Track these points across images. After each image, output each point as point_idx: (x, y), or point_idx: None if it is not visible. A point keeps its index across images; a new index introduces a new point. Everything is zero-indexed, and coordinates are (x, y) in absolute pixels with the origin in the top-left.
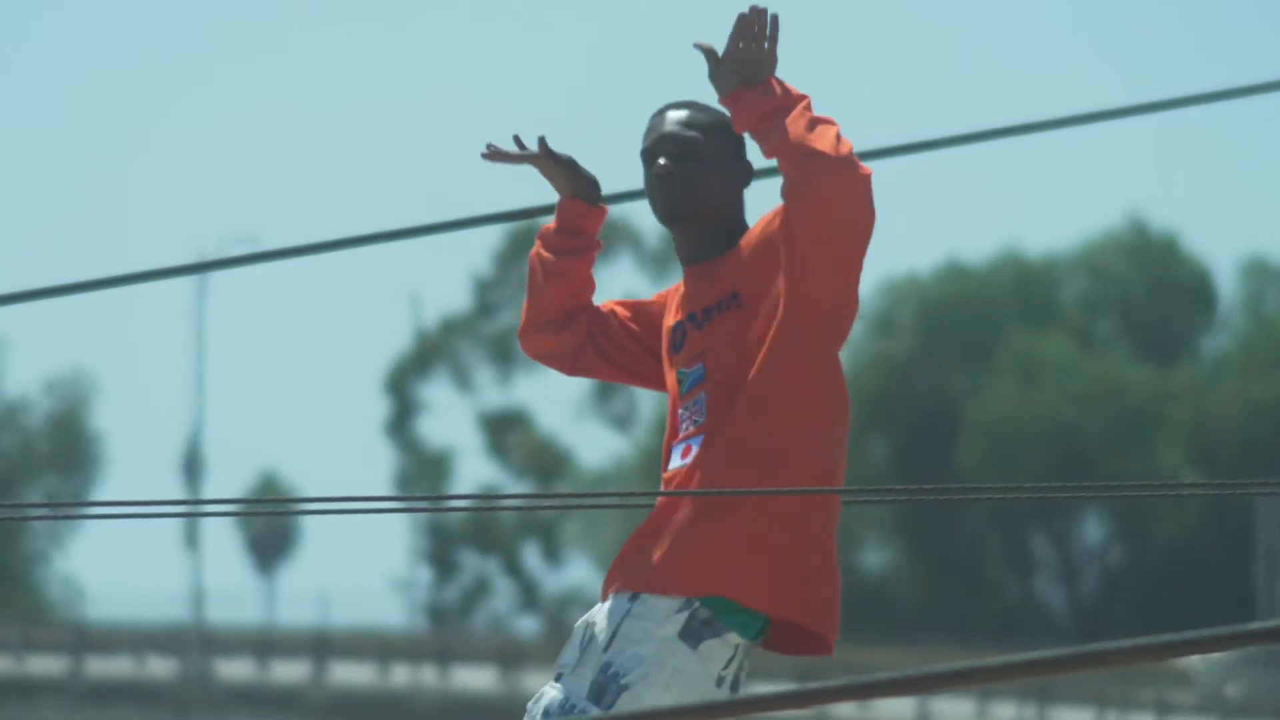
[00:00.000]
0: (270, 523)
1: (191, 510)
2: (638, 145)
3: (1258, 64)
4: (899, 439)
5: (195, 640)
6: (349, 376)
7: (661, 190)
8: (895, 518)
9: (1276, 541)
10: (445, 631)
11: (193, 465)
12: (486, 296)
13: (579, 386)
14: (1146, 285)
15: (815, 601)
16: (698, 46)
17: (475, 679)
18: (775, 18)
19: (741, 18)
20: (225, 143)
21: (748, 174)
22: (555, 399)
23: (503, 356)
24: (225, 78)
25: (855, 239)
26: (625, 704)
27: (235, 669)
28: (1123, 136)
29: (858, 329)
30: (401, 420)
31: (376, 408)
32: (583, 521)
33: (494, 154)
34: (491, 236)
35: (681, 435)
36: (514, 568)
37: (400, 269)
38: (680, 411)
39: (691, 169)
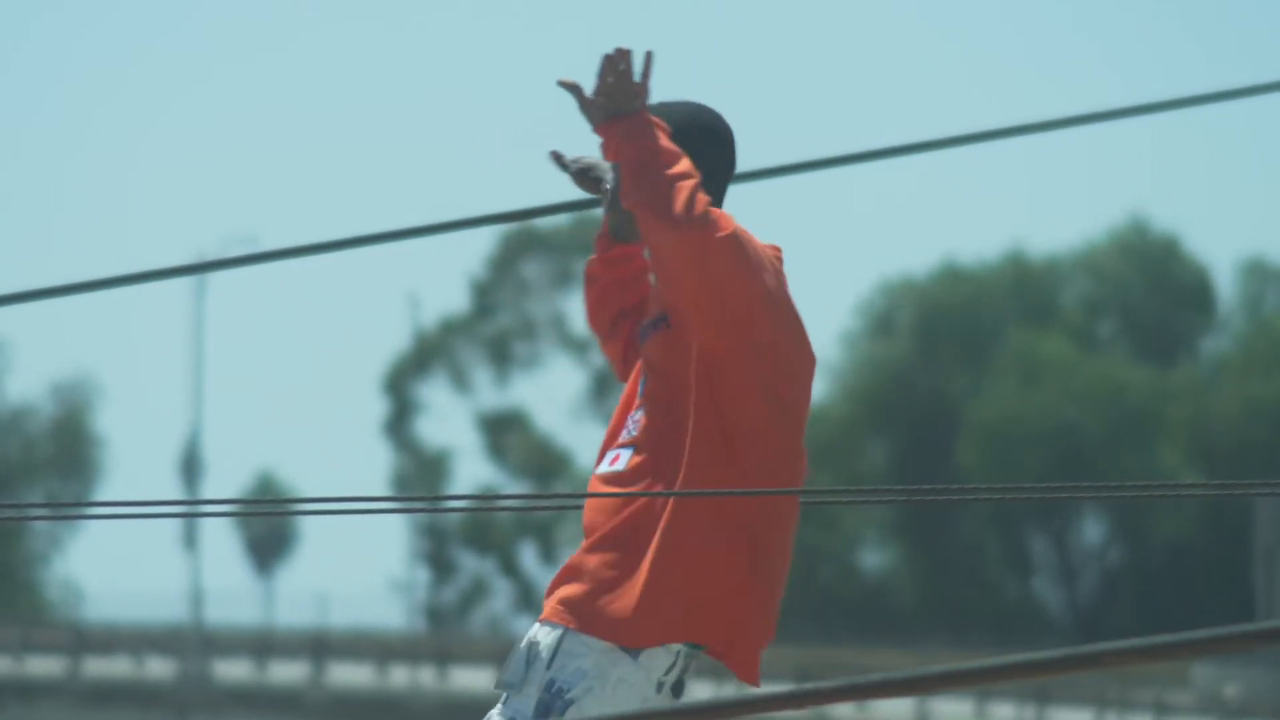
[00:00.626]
0: (269, 523)
1: (190, 511)
2: None
3: (1257, 65)
4: (898, 439)
5: (194, 641)
6: (347, 377)
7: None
8: (894, 518)
9: (1275, 542)
10: (443, 632)
11: (191, 466)
12: (484, 297)
13: (577, 387)
14: (1146, 286)
15: (720, 636)
16: (561, 84)
17: (473, 680)
18: (648, 54)
19: (607, 57)
20: (224, 143)
21: (705, 172)
22: (553, 399)
23: (501, 357)
24: (224, 78)
25: (727, 299)
26: (572, 718)
27: (234, 669)
28: (1122, 138)
29: (858, 329)
30: (399, 421)
31: (374, 408)
32: (580, 522)
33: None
34: (489, 238)
35: (619, 441)
36: (512, 568)
37: (398, 270)
38: (628, 416)
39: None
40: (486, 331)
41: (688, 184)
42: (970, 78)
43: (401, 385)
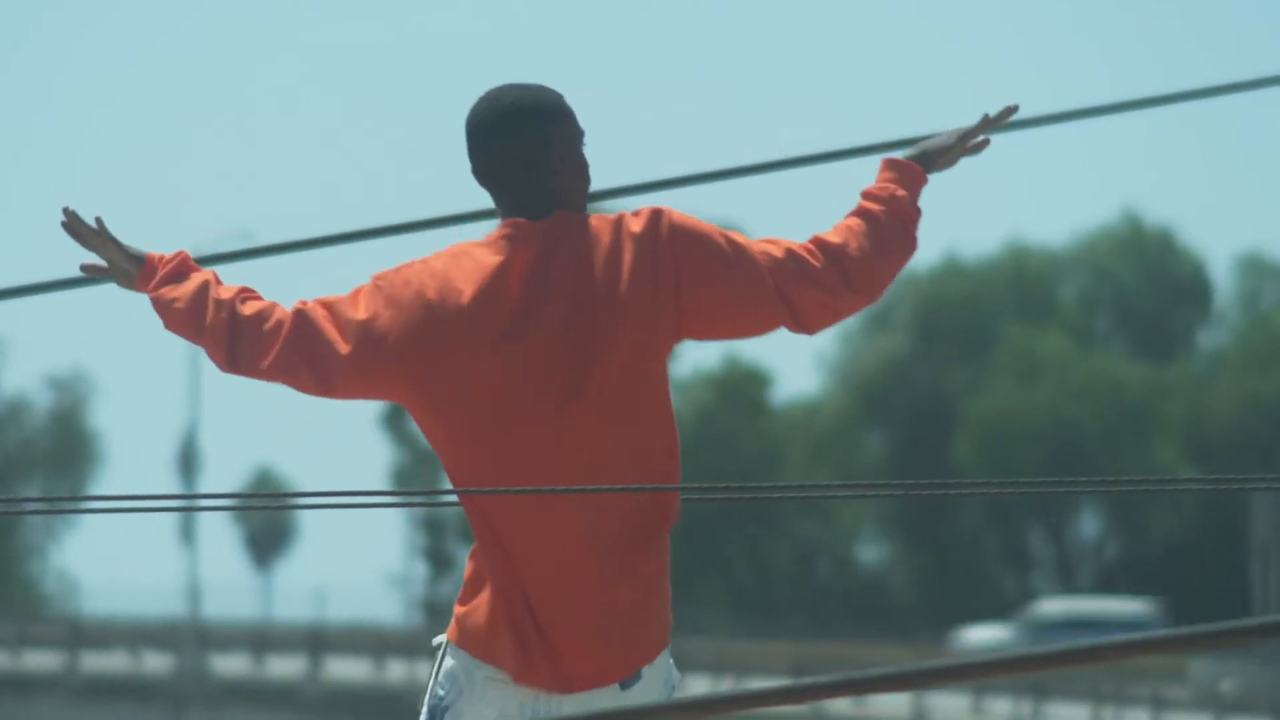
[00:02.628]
0: (267, 518)
1: (187, 505)
2: (635, 142)
3: (1254, 60)
4: (897, 433)
5: (191, 635)
6: None
7: None
8: (892, 513)
9: (1272, 537)
10: (441, 626)
11: (189, 460)
12: None
13: None
14: (1143, 281)
15: (494, 645)
16: (85, 271)
17: None
18: (98, 219)
19: (65, 227)
20: (222, 139)
21: (479, 176)
22: None
23: None
24: (223, 75)
25: (334, 391)
26: None
27: (231, 664)
28: (1119, 132)
29: (856, 323)
30: (398, 413)
31: (373, 401)
32: None
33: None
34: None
35: None
36: None
37: (397, 262)
38: None
39: None
40: None
41: (209, 333)
42: (968, 73)
43: None
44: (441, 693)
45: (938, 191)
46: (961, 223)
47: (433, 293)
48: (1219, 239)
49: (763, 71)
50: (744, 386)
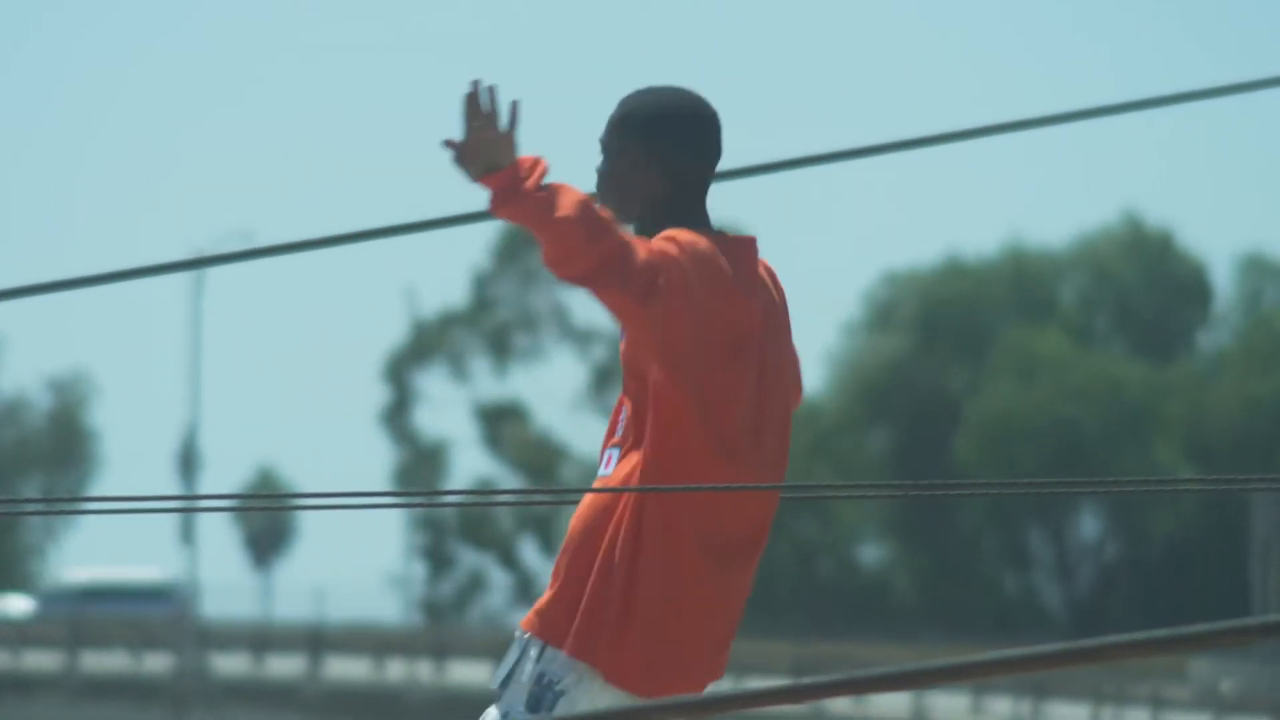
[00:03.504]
0: (267, 518)
1: (187, 505)
2: None
3: (1255, 60)
4: (897, 433)
5: (191, 635)
6: (345, 372)
7: None
8: (892, 512)
9: (1273, 537)
10: (440, 626)
11: (189, 460)
12: (486, 288)
13: (577, 379)
14: (1143, 281)
15: (625, 656)
16: (447, 144)
17: (470, 674)
18: (515, 104)
19: (468, 98)
20: (222, 139)
21: (658, 160)
22: (552, 392)
23: (500, 347)
24: (223, 75)
25: (670, 338)
26: (563, 708)
27: (231, 664)
28: (1120, 133)
29: (860, 318)
30: (398, 411)
31: (373, 399)
32: None
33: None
34: (493, 228)
35: (612, 440)
36: (510, 562)
37: (398, 262)
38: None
39: (601, 167)
40: (486, 321)
41: (598, 246)
42: (971, 74)
43: (400, 374)
44: (555, 678)
45: (938, 191)
46: (962, 223)
47: (726, 280)
48: (1219, 240)
49: (763, 71)
50: None
